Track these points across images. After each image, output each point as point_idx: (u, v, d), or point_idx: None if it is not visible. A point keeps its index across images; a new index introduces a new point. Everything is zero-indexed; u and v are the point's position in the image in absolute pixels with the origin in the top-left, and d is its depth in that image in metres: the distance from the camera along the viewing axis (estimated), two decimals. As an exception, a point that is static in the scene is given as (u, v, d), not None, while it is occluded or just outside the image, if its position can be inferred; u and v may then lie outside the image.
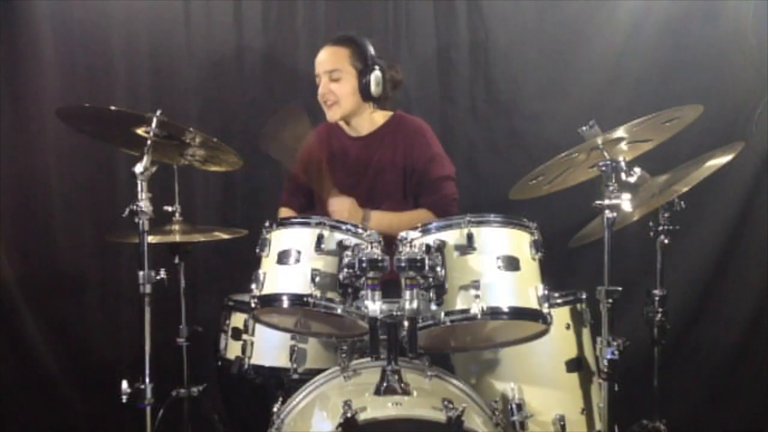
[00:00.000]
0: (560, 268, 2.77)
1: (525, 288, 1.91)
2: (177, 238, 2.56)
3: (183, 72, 3.18)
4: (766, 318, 3.16)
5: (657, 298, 2.54)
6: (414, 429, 1.72)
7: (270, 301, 1.96)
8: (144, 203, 2.12)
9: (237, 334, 2.43)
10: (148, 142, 2.14)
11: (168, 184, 2.55)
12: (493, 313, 1.86)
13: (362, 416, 1.70)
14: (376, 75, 2.52)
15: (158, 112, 2.13)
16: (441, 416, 1.71)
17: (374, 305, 1.84)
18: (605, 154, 2.11)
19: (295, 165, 2.61)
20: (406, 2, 3.20)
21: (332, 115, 2.58)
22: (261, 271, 1.98)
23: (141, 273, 2.13)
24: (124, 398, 2.11)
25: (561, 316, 2.20)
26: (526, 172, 2.22)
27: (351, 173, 2.63)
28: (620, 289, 2.09)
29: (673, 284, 2.62)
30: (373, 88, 2.53)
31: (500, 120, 3.24)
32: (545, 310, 1.90)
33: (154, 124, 2.13)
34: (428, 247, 1.86)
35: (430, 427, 1.71)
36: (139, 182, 2.11)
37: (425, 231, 1.93)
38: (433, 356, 2.04)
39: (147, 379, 2.13)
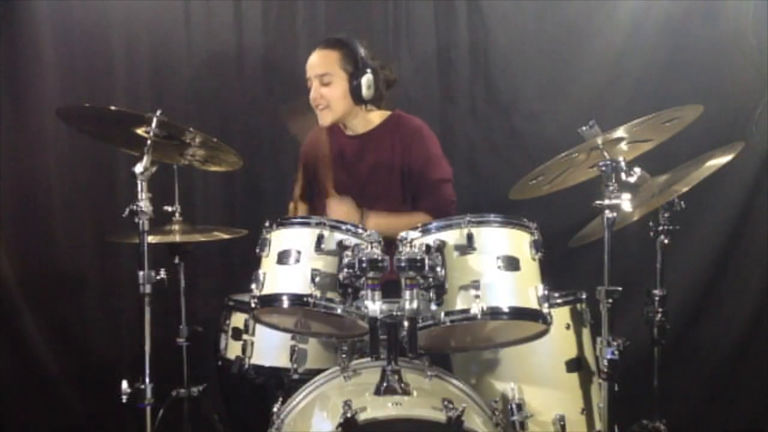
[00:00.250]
0: (560, 268, 2.77)
1: (525, 288, 1.91)
2: (177, 238, 2.56)
3: (183, 72, 3.18)
4: (766, 318, 3.16)
5: (657, 298, 2.54)
6: (414, 429, 1.72)
7: (270, 301, 1.96)
8: (144, 203, 2.12)
9: (237, 334, 2.43)
10: (148, 142, 2.14)
11: (168, 184, 2.55)
12: (493, 313, 1.86)
13: (362, 416, 1.70)
14: (367, 78, 2.51)
15: (158, 112, 2.13)
16: (441, 416, 1.71)
17: (374, 305, 1.84)
18: (605, 154, 2.11)
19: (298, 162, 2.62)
20: (406, 2, 3.20)
21: (324, 119, 2.57)
22: (261, 271, 1.98)
23: (141, 273, 2.13)
24: (124, 398, 2.11)
25: (561, 316, 2.20)
26: (526, 172, 2.22)
27: (347, 172, 2.63)
28: (620, 289, 2.09)
29: (673, 284, 2.62)
30: (365, 91, 2.51)
31: (500, 120, 3.24)
32: (545, 310, 1.90)
33: (154, 124, 2.13)
34: (428, 247, 1.85)
35: (430, 427, 1.71)
36: (139, 182, 2.11)
37: (425, 231, 1.92)
38: (433, 356, 2.04)
39: (147, 379, 2.13)
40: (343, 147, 2.67)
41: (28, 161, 3.10)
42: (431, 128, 2.69)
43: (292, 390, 2.11)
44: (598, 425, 2.21)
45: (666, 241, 2.51)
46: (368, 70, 2.51)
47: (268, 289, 1.96)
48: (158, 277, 2.21)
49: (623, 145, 2.18)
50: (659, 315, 2.54)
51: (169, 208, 2.58)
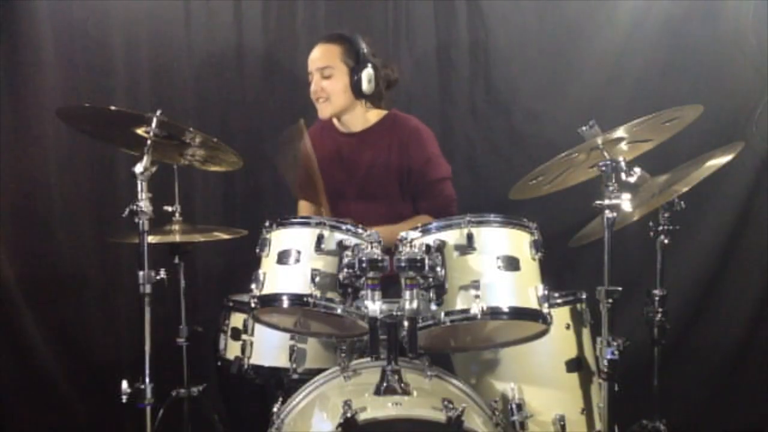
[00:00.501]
0: (560, 268, 2.78)
1: (525, 288, 1.91)
2: (177, 238, 2.56)
3: (183, 72, 3.18)
4: (766, 318, 3.16)
5: (657, 298, 2.54)
6: (414, 429, 1.72)
7: (270, 301, 1.96)
8: (144, 203, 2.12)
9: (236, 334, 2.43)
10: (148, 142, 2.14)
11: (168, 184, 2.55)
12: (493, 313, 1.86)
13: (362, 416, 1.70)
14: (367, 72, 2.52)
15: (158, 112, 2.13)
16: (441, 416, 1.71)
17: (374, 305, 1.84)
18: (605, 154, 2.11)
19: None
20: (406, 2, 3.20)
21: (323, 111, 2.58)
22: (261, 271, 1.98)
23: (141, 273, 2.13)
24: (124, 398, 2.11)
25: (561, 316, 2.20)
26: (526, 172, 2.22)
27: (343, 170, 2.64)
28: (620, 289, 2.09)
29: (673, 284, 2.62)
30: (365, 85, 2.52)
31: (500, 120, 3.24)
32: (545, 310, 1.90)
33: (154, 124, 2.13)
34: (428, 247, 1.86)
35: (430, 427, 1.71)
36: (139, 182, 2.11)
37: (425, 231, 1.93)
38: (433, 356, 2.04)
39: (147, 379, 2.13)
40: (339, 146, 2.67)
41: (28, 161, 3.10)
42: (431, 128, 2.69)
43: (291, 390, 2.11)
44: (598, 425, 2.21)
45: (666, 241, 2.51)
46: (369, 65, 2.52)
47: (268, 289, 1.96)
48: (158, 277, 2.21)
49: (623, 145, 2.18)
50: (659, 315, 2.54)
51: (169, 208, 2.58)
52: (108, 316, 3.17)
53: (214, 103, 3.21)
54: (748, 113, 3.10)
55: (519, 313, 1.91)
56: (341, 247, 1.91)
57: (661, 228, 2.51)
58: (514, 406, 2.15)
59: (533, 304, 1.90)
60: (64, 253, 3.14)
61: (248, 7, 3.18)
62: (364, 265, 1.82)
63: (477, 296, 1.83)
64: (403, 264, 1.80)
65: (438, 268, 1.83)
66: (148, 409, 2.14)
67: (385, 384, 1.83)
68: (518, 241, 1.95)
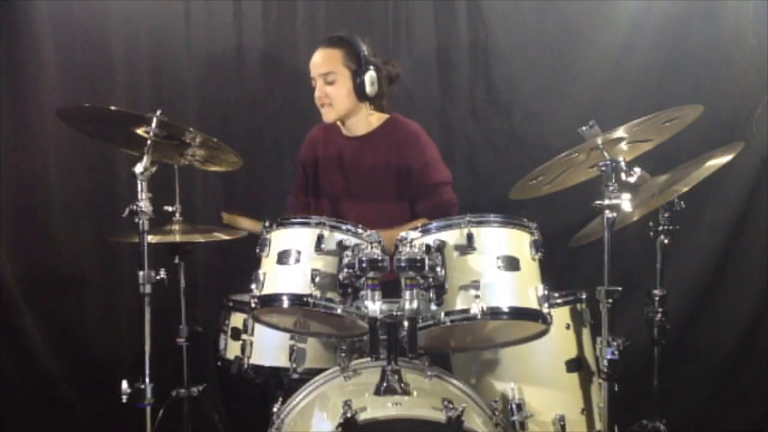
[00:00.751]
0: (560, 268, 2.77)
1: (525, 288, 1.91)
2: (177, 238, 2.56)
3: (183, 72, 3.18)
4: (766, 318, 3.16)
5: (657, 298, 2.54)
6: (414, 429, 1.72)
7: (270, 301, 1.96)
8: (144, 203, 2.12)
9: (236, 334, 2.44)
10: (148, 142, 2.14)
11: (168, 184, 2.55)
12: (493, 313, 1.86)
13: (362, 416, 1.70)
14: (370, 75, 2.52)
15: (158, 112, 2.13)
16: (441, 416, 1.71)
17: (374, 305, 1.84)
18: (605, 154, 2.11)
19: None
20: (406, 2, 3.20)
21: (327, 116, 2.58)
22: (261, 271, 1.98)
23: (141, 273, 2.13)
24: (124, 398, 2.11)
25: (561, 316, 2.21)
26: (526, 172, 2.21)
27: (345, 173, 2.64)
28: (620, 289, 2.09)
29: (673, 284, 2.63)
30: (368, 88, 2.52)
31: (500, 120, 3.24)
32: (545, 310, 1.90)
33: (154, 124, 2.13)
34: (428, 247, 1.86)
35: (430, 427, 1.71)
36: (139, 182, 2.11)
37: (425, 231, 1.93)
38: (433, 356, 2.04)
39: (147, 379, 2.13)
40: (341, 148, 2.67)
41: (28, 161, 3.10)
42: (431, 128, 2.69)
43: (291, 390, 2.11)
44: (598, 425, 2.21)
45: (666, 241, 2.51)
46: (371, 67, 2.52)
47: (268, 289, 1.96)
48: (158, 277, 2.21)
49: (623, 145, 2.18)
50: (659, 315, 2.54)
51: (169, 208, 2.58)
52: (108, 316, 3.17)
53: (214, 103, 3.21)
54: (748, 113, 3.10)
55: (519, 313, 1.91)
56: (341, 247, 1.91)
57: (661, 228, 2.51)
58: (514, 406, 2.16)
59: (533, 304, 1.90)
60: (64, 253, 3.14)
61: (248, 7, 3.18)
62: (364, 265, 1.82)
63: (477, 296, 1.83)
64: (403, 264, 1.80)
65: (438, 268, 1.83)
66: (148, 409, 2.14)
67: (385, 384, 1.83)
68: (518, 241, 1.95)
